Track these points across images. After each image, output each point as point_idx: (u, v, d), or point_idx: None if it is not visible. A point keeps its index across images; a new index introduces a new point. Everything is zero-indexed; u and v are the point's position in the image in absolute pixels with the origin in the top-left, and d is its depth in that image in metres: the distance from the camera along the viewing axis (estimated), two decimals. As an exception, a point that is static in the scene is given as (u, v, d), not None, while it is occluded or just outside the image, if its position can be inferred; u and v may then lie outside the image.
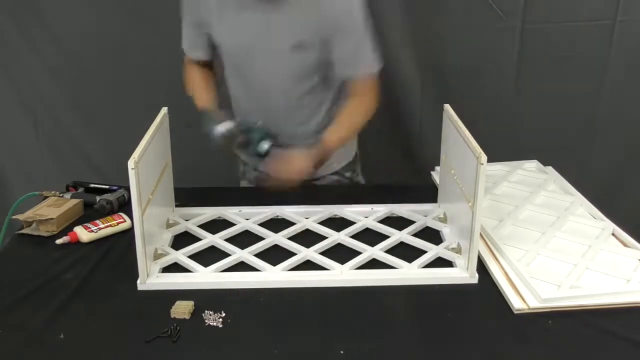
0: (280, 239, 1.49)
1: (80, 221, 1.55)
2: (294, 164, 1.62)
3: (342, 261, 1.39)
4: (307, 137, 1.74)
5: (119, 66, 2.27)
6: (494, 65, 2.28)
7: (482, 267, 1.37)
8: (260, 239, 1.50)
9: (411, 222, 1.57)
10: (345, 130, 1.72)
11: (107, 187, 1.73)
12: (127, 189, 1.33)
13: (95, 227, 1.51)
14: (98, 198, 1.64)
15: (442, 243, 1.47)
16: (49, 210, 1.54)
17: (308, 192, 1.74)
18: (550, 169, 1.86)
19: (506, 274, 1.34)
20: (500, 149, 2.05)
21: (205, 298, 1.26)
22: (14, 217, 1.53)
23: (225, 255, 1.43)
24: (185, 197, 1.67)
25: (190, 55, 1.77)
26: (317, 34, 1.58)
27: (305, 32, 1.58)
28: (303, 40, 1.59)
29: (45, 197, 1.66)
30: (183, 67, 1.78)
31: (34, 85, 2.32)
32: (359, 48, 1.64)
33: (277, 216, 1.62)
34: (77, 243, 1.47)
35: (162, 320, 1.20)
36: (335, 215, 1.62)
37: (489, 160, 1.23)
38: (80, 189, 1.71)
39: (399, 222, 1.58)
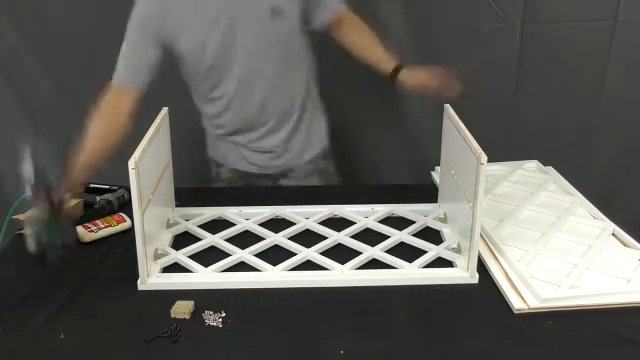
0: (281, 239, 1.49)
1: (80, 221, 1.55)
2: (429, 78, 1.67)
3: (343, 261, 1.39)
4: (293, 112, 1.80)
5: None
6: (494, 65, 2.27)
7: (482, 267, 1.37)
8: (260, 239, 1.50)
9: (411, 222, 1.57)
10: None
11: (107, 187, 1.73)
12: (127, 189, 1.33)
13: (95, 227, 1.51)
14: (98, 198, 1.64)
15: (442, 243, 1.47)
16: (49, 210, 1.54)
17: (308, 192, 1.75)
18: (550, 169, 1.86)
19: (506, 274, 1.34)
20: (500, 149, 2.05)
21: (205, 298, 1.26)
22: (14, 217, 1.53)
23: (226, 255, 1.43)
24: (186, 197, 1.67)
25: (126, 84, 1.65)
26: None
27: None
28: (280, 5, 1.63)
29: (46, 197, 1.65)
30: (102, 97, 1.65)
31: (33, 85, 2.31)
32: None
33: (277, 216, 1.62)
34: (77, 243, 1.47)
35: (162, 320, 1.20)
36: (335, 215, 1.62)
37: (489, 161, 1.23)
38: (80, 189, 1.70)
39: (399, 222, 1.58)
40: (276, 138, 1.84)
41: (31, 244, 1.33)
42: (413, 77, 1.71)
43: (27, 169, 1.34)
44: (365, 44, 1.80)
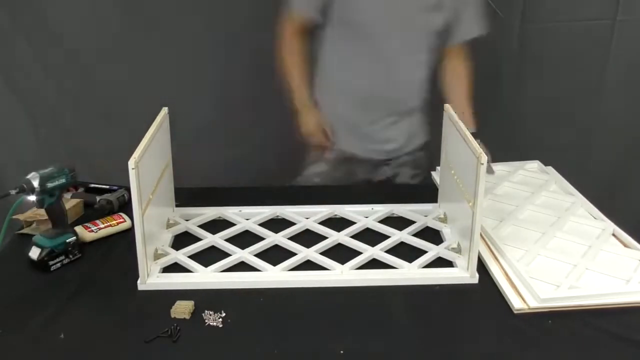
0: (281, 239, 1.49)
1: (80, 221, 1.55)
2: None
3: (343, 261, 1.39)
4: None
5: (119, 66, 2.27)
6: (494, 65, 2.27)
7: (482, 267, 1.37)
8: (260, 239, 1.50)
9: (411, 222, 1.57)
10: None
11: (107, 187, 1.73)
12: (127, 189, 1.33)
13: (95, 227, 1.51)
14: (98, 198, 1.64)
15: (443, 243, 1.47)
16: (49, 210, 1.54)
17: (308, 192, 1.75)
18: (550, 169, 1.86)
19: (506, 274, 1.34)
20: (500, 149, 2.05)
21: (205, 298, 1.26)
22: (14, 217, 1.53)
23: (226, 255, 1.43)
24: (186, 197, 1.67)
25: (302, 14, 1.75)
26: None
27: None
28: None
29: (46, 197, 1.66)
30: (281, 40, 1.72)
31: (33, 85, 2.32)
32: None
33: (277, 216, 1.62)
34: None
35: (162, 320, 1.20)
36: (335, 215, 1.62)
37: (489, 161, 1.23)
38: (80, 189, 1.70)
39: (399, 222, 1.58)
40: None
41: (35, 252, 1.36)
42: None
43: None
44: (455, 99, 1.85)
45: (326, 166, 1.97)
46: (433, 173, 1.83)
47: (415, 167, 2.03)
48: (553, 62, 2.26)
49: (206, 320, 1.20)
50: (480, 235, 1.34)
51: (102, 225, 1.52)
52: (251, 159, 2.32)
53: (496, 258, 1.40)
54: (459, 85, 1.91)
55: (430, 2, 1.75)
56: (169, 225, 1.55)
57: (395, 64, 1.83)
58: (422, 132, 2.02)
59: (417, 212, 1.61)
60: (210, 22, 2.22)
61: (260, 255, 1.43)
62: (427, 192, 1.70)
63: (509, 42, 2.23)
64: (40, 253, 1.36)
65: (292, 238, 1.50)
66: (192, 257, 1.42)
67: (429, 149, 2.02)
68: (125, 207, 1.63)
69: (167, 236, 1.51)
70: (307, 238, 1.51)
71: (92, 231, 1.50)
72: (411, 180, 2.01)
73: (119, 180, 1.61)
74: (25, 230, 1.53)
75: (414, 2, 1.76)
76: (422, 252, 1.43)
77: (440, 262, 1.41)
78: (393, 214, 1.62)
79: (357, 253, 1.43)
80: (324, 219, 1.59)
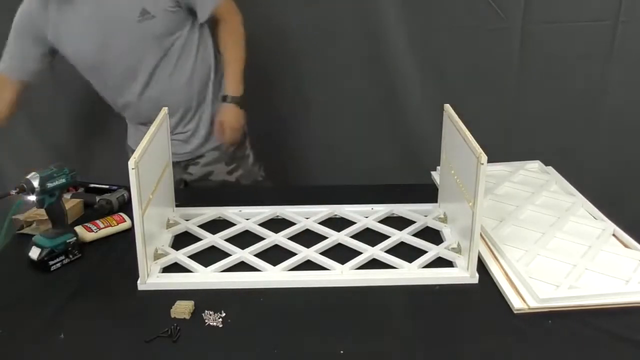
0: (281, 239, 1.49)
1: (80, 221, 1.55)
2: (229, 120, 1.83)
3: (343, 261, 1.39)
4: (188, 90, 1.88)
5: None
6: (494, 65, 2.28)
7: (482, 267, 1.37)
8: (260, 239, 1.50)
9: (411, 222, 1.57)
10: (239, 71, 1.88)
11: (107, 187, 1.73)
12: (127, 188, 1.33)
13: (95, 227, 1.51)
14: (98, 198, 1.64)
15: (443, 243, 1.47)
16: (49, 210, 1.54)
17: (308, 192, 1.75)
18: (551, 169, 1.86)
19: (506, 274, 1.34)
20: (500, 149, 2.05)
21: (205, 298, 1.26)
22: (14, 217, 1.53)
23: (226, 255, 1.43)
24: (186, 197, 1.67)
25: (9, 74, 1.81)
26: None
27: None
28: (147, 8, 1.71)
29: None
30: None
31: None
32: None
33: (277, 216, 1.62)
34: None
35: (162, 320, 1.20)
36: (335, 215, 1.62)
37: (489, 161, 1.23)
38: (80, 189, 1.71)
39: (399, 222, 1.58)
40: (184, 127, 1.93)
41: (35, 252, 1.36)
42: (221, 115, 1.88)
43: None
44: (226, 59, 1.89)
45: None
46: (433, 173, 1.83)
47: (230, 162, 2.01)
48: (554, 62, 2.26)
49: (206, 320, 1.20)
50: (480, 235, 1.34)
51: (102, 225, 1.52)
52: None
53: (496, 258, 1.40)
54: (232, 44, 1.89)
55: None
56: (169, 225, 1.55)
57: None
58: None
59: (417, 212, 1.61)
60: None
61: (260, 255, 1.43)
62: (427, 192, 1.70)
63: (510, 42, 2.23)
64: (40, 253, 1.36)
65: (292, 238, 1.50)
66: (192, 257, 1.42)
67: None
68: (125, 207, 1.63)
69: (167, 236, 1.51)
70: (307, 238, 1.51)
71: (92, 231, 1.50)
72: (228, 177, 2.01)
73: (119, 180, 1.61)
74: (25, 230, 1.53)
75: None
76: (422, 252, 1.43)
77: (440, 262, 1.41)
78: (393, 214, 1.62)
79: (357, 253, 1.43)
80: (324, 219, 1.59)
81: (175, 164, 1.92)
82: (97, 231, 1.50)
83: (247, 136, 2.04)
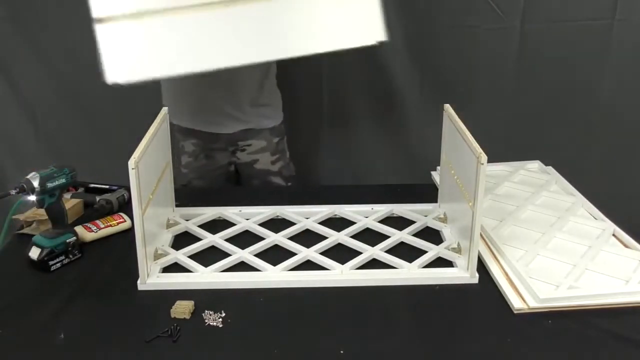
0: (281, 239, 1.49)
1: (80, 221, 1.55)
2: None
3: (343, 261, 1.39)
4: None
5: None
6: (494, 65, 2.27)
7: (482, 267, 1.37)
8: (260, 239, 1.50)
9: (411, 222, 1.57)
10: None
11: (107, 187, 1.73)
12: (127, 188, 1.33)
13: (95, 227, 1.51)
14: (98, 198, 1.63)
15: (443, 243, 1.47)
16: (49, 210, 1.54)
17: (308, 192, 1.75)
18: (551, 169, 1.86)
19: (506, 274, 1.34)
20: (500, 149, 2.04)
21: (205, 298, 1.26)
22: (14, 217, 1.53)
23: (226, 255, 1.43)
24: (186, 197, 1.67)
25: None
26: None
27: None
28: None
29: (46, 197, 1.66)
30: None
31: (33, 85, 2.32)
32: None
33: (277, 216, 1.62)
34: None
35: (162, 320, 1.20)
36: (335, 215, 1.62)
37: (489, 161, 1.23)
38: (80, 189, 1.70)
39: (399, 222, 1.58)
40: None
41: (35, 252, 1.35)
42: None
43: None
44: None
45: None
46: (433, 173, 1.83)
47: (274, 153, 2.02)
48: (553, 61, 2.26)
49: (206, 320, 1.20)
50: (480, 235, 1.34)
51: (102, 225, 1.52)
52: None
53: (496, 258, 1.40)
54: None
55: None
56: (169, 225, 1.55)
57: None
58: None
59: (417, 212, 1.61)
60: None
61: (260, 255, 1.43)
62: (427, 192, 1.70)
63: (509, 41, 2.23)
64: (40, 253, 1.36)
65: (292, 238, 1.50)
66: (192, 257, 1.42)
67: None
68: (125, 207, 1.63)
69: (167, 236, 1.51)
70: (307, 238, 1.51)
71: (92, 231, 1.50)
72: (272, 167, 2.02)
73: (119, 180, 1.61)
74: (25, 230, 1.53)
75: None
76: (422, 252, 1.43)
77: (440, 262, 1.41)
78: (393, 214, 1.62)
79: (357, 253, 1.43)
80: (324, 219, 1.59)
81: (222, 150, 1.99)
82: (97, 231, 1.50)
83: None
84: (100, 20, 1.39)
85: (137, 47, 1.43)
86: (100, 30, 1.39)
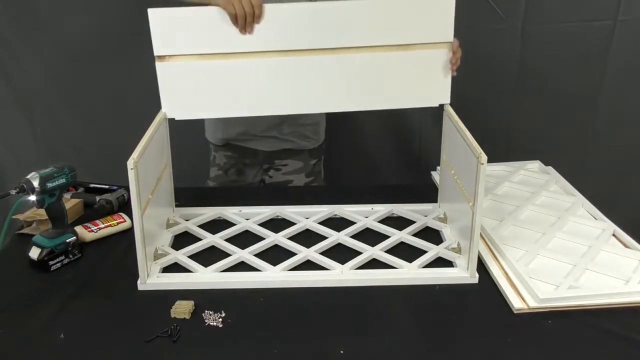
0: (281, 239, 1.49)
1: (80, 221, 1.55)
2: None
3: (343, 261, 1.39)
4: None
5: (118, 66, 2.27)
6: (494, 65, 2.27)
7: (482, 267, 1.37)
8: (260, 239, 1.50)
9: (411, 222, 1.57)
10: None
11: (107, 187, 1.73)
12: (127, 188, 1.33)
13: (95, 227, 1.51)
14: (98, 198, 1.64)
15: (442, 243, 1.47)
16: (49, 210, 1.54)
17: (308, 192, 1.75)
18: (551, 169, 1.86)
19: (506, 274, 1.34)
20: (500, 149, 2.04)
21: (205, 298, 1.26)
22: (14, 217, 1.53)
23: (226, 255, 1.43)
24: (186, 197, 1.67)
25: None
26: None
27: None
28: None
29: (46, 197, 1.66)
30: None
31: (32, 86, 2.32)
32: None
33: (277, 216, 1.62)
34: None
35: (162, 320, 1.20)
36: (335, 215, 1.62)
37: (489, 161, 1.23)
38: (80, 189, 1.71)
39: (399, 222, 1.58)
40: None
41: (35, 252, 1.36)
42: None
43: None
44: None
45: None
46: (433, 173, 1.83)
47: (310, 175, 1.95)
48: (554, 62, 2.26)
49: (206, 320, 1.20)
50: (480, 235, 1.34)
51: (102, 225, 1.52)
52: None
53: (496, 258, 1.40)
54: None
55: None
56: (168, 225, 1.55)
57: None
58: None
59: (417, 212, 1.61)
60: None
61: (260, 255, 1.43)
62: (427, 192, 1.70)
63: (511, 42, 2.23)
64: (40, 253, 1.36)
65: (292, 238, 1.50)
66: (192, 257, 1.42)
67: None
68: (125, 207, 1.63)
69: (167, 236, 1.51)
70: (307, 238, 1.51)
71: (92, 231, 1.50)
72: None
73: (119, 180, 1.61)
74: (25, 230, 1.53)
75: None
76: (422, 252, 1.43)
77: (440, 262, 1.41)
78: (393, 214, 1.62)
79: (357, 253, 1.43)
80: (324, 219, 1.59)
81: (256, 166, 1.92)
82: (97, 231, 1.50)
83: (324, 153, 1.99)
84: (161, 58, 1.46)
85: (195, 87, 1.49)
86: (160, 68, 1.47)
